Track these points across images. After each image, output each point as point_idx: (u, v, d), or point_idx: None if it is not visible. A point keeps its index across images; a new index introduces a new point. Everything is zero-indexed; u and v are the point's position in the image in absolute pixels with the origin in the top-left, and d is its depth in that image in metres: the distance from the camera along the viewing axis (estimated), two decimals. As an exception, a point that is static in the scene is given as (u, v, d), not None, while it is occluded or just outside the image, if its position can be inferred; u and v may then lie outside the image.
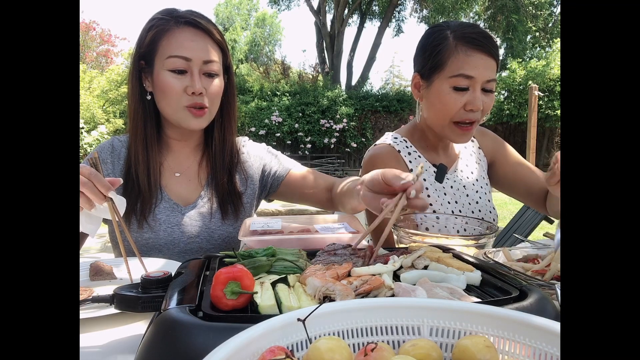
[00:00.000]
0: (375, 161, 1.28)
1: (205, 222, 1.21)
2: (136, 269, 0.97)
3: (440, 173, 1.30)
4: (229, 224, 1.23)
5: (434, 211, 1.25)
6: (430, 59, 1.21)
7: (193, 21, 1.11)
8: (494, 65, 1.18)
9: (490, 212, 1.36)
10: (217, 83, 1.14)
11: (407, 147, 1.31)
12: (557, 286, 0.65)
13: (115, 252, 1.27)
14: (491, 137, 1.48)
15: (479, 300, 0.56)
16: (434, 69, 1.20)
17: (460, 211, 1.29)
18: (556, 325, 0.39)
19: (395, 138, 1.34)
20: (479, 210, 1.33)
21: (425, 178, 1.28)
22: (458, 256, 0.74)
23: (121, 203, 0.92)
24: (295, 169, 1.33)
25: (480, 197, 1.36)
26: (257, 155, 1.33)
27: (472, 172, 1.39)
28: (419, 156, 1.31)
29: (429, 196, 1.26)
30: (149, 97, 1.15)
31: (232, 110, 1.24)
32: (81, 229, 0.93)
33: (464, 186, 1.34)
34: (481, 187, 1.38)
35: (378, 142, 1.37)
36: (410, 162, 1.28)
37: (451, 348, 0.43)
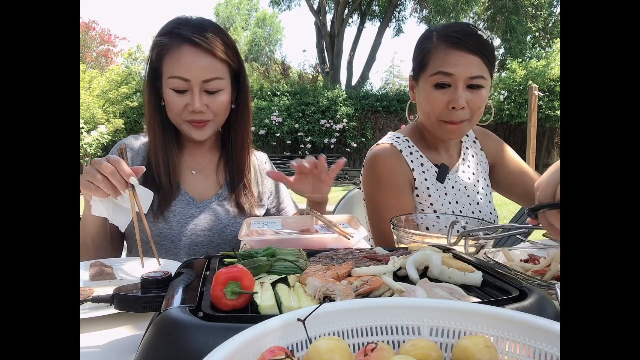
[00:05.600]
0: (376, 161, 1.29)
1: (219, 217, 1.24)
2: (135, 267, 0.97)
3: (442, 173, 1.30)
4: (240, 223, 1.26)
5: (435, 211, 1.25)
6: (417, 60, 1.26)
7: (192, 40, 1.10)
8: (479, 61, 1.17)
9: (491, 213, 1.36)
10: (220, 99, 1.16)
11: (409, 146, 1.31)
12: (557, 286, 0.65)
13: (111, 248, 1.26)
14: (493, 139, 1.49)
15: (479, 300, 0.56)
16: (420, 69, 1.24)
17: (460, 211, 1.29)
18: (556, 325, 0.39)
19: (398, 138, 1.34)
20: (480, 211, 1.33)
21: (427, 178, 1.28)
22: (458, 256, 0.74)
23: (146, 195, 0.96)
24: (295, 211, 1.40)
25: (481, 198, 1.36)
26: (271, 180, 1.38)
27: (473, 173, 1.39)
28: (421, 156, 1.31)
29: (430, 196, 1.27)
30: (163, 104, 1.19)
31: (244, 117, 1.26)
32: (111, 221, 0.98)
33: (465, 187, 1.34)
34: (482, 188, 1.38)
35: (380, 141, 1.37)
36: (412, 161, 1.28)
37: (451, 348, 0.43)
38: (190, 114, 1.14)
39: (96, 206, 0.96)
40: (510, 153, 1.47)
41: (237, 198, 1.26)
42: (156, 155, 1.21)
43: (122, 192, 0.94)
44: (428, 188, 1.27)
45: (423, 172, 1.29)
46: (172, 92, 1.13)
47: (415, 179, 1.27)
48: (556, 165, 0.58)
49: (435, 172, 1.30)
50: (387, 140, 1.35)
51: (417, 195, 1.28)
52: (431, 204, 1.26)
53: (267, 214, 1.36)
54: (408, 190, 1.27)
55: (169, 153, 1.22)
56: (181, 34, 1.11)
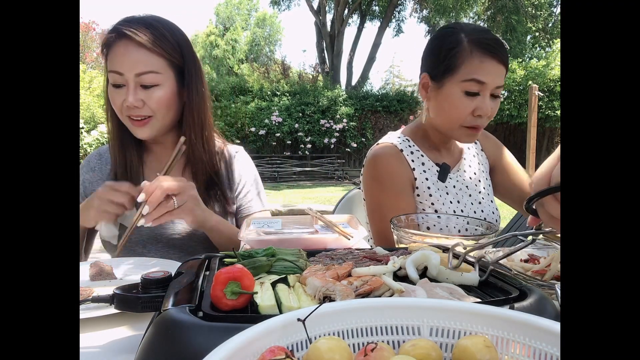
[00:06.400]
0: (377, 160, 1.28)
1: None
2: (135, 268, 0.97)
3: (443, 172, 1.30)
4: None
5: (436, 211, 1.25)
6: (444, 61, 1.20)
7: (125, 33, 1.09)
8: (504, 72, 1.20)
9: (493, 212, 1.36)
10: (157, 94, 1.12)
11: (409, 146, 1.31)
12: (557, 286, 0.65)
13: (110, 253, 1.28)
14: (493, 141, 1.50)
15: (479, 300, 0.56)
16: (447, 71, 1.20)
17: (462, 211, 1.29)
18: (556, 325, 0.39)
19: (398, 137, 1.33)
20: (482, 211, 1.33)
21: (428, 177, 1.28)
22: (458, 256, 0.74)
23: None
24: (260, 213, 1.31)
25: (482, 198, 1.36)
26: (241, 172, 1.32)
27: (474, 173, 1.39)
28: (422, 155, 1.31)
29: (431, 195, 1.26)
30: None
31: (196, 115, 1.19)
32: (109, 238, 1.03)
33: (467, 186, 1.34)
34: (484, 188, 1.38)
35: (380, 141, 1.36)
36: (412, 161, 1.28)
37: (451, 348, 0.43)
38: (127, 109, 1.11)
39: (107, 228, 1.01)
40: (509, 157, 1.48)
41: (203, 199, 1.20)
42: (114, 157, 1.20)
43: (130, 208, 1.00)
44: (429, 188, 1.27)
45: (424, 171, 1.28)
46: (111, 88, 1.12)
47: (416, 179, 1.27)
48: (547, 160, 0.58)
49: (437, 171, 1.30)
50: (387, 140, 1.34)
51: (418, 195, 1.27)
52: (432, 204, 1.26)
53: (237, 212, 1.31)
54: (409, 191, 1.26)
55: (128, 155, 1.20)
56: (118, 29, 1.10)
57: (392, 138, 1.34)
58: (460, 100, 1.18)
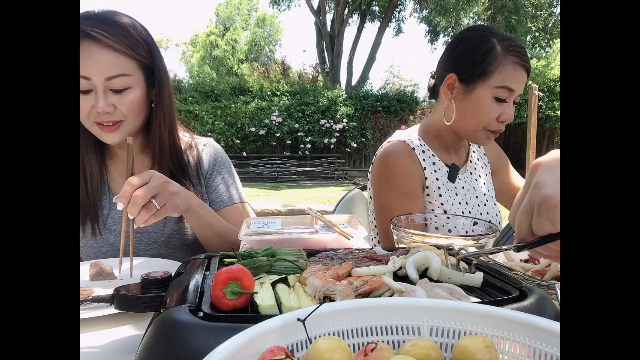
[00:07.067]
0: (389, 158, 1.27)
1: (159, 227, 1.18)
2: (135, 268, 0.97)
3: (453, 173, 1.30)
4: (186, 228, 1.20)
5: (445, 211, 1.25)
6: (479, 64, 1.19)
7: (90, 34, 1.00)
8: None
9: (497, 215, 1.37)
10: (129, 97, 1.05)
11: (421, 145, 1.30)
12: (557, 286, 0.66)
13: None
14: (496, 147, 1.51)
15: (479, 300, 0.56)
16: (481, 76, 1.19)
17: (470, 212, 1.29)
18: (556, 325, 0.39)
19: (409, 136, 1.32)
20: (487, 213, 1.34)
21: (438, 177, 1.28)
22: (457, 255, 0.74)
23: None
24: (233, 206, 1.25)
25: (487, 200, 1.36)
26: (210, 165, 1.27)
27: (480, 175, 1.40)
28: (433, 155, 1.30)
29: (440, 196, 1.26)
30: None
31: (164, 115, 1.14)
32: None
33: (474, 187, 1.35)
34: (488, 190, 1.39)
35: (391, 139, 1.35)
36: (424, 160, 1.27)
37: (451, 348, 0.43)
38: (97, 115, 1.04)
39: None
40: (508, 162, 1.51)
41: None
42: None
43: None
44: (439, 188, 1.27)
45: (434, 171, 1.28)
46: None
47: (426, 179, 1.26)
48: (521, 198, 0.57)
49: (447, 172, 1.30)
50: (399, 137, 1.33)
51: (428, 195, 1.27)
52: (441, 204, 1.26)
53: (210, 205, 1.25)
54: (419, 192, 1.25)
55: (86, 162, 1.14)
56: (82, 29, 1.00)
57: (403, 136, 1.32)
58: (490, 105, 1.20)
